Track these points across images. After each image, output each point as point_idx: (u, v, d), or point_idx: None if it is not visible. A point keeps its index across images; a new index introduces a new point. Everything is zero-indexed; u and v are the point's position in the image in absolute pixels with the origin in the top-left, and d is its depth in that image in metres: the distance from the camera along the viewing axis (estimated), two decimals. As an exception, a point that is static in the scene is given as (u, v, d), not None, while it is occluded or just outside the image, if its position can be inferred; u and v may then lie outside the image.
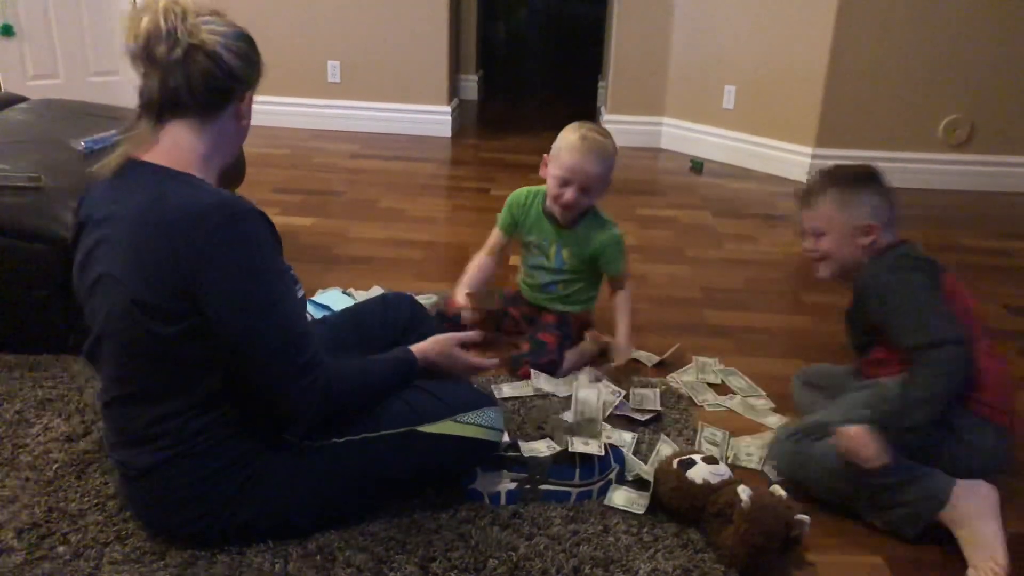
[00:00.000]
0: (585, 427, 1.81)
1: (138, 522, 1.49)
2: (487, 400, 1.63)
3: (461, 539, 1.50)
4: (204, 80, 1.33)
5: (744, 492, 1.47)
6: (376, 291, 2.53)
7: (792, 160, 4.10)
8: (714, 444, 1.86)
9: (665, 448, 1.81)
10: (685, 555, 1.50)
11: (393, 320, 1.82)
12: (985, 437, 1.61)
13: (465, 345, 1.66)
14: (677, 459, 1.62)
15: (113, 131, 2.36)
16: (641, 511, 1.60)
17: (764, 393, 2.13)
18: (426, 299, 2.40)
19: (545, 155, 2.15)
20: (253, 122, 1.48)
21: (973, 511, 1.52)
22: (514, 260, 2.36)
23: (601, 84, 5.35)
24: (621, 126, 4.51)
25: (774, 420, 2.00)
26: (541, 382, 2.06)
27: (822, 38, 3.85)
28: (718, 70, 4.31)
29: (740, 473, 1.74)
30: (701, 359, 2.27)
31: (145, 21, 1.28)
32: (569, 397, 1.96)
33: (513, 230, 2.28)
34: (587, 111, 5.34)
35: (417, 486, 1.60)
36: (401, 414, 1.50)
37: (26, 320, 2.09)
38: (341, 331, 1.77)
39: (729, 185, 4.06)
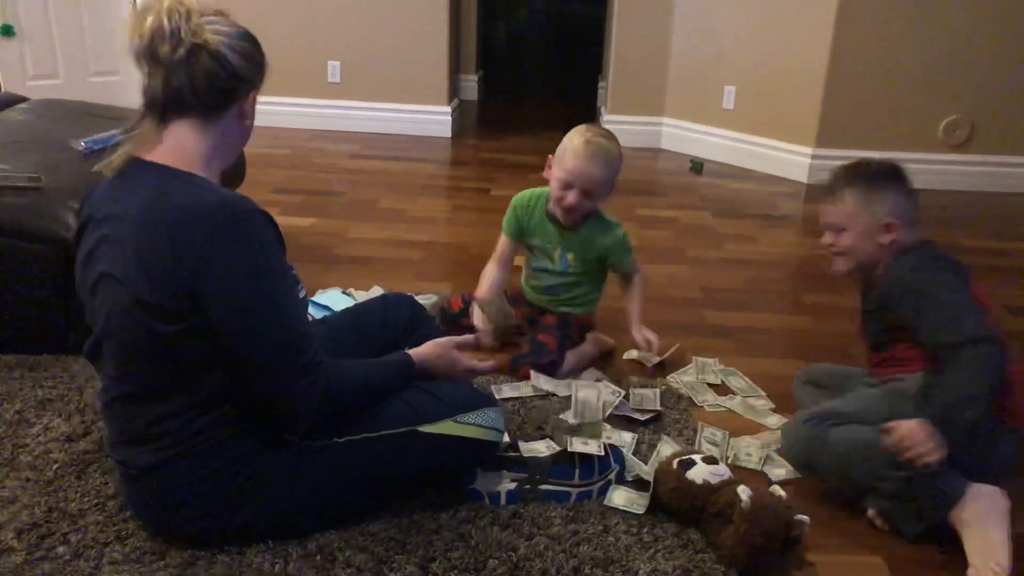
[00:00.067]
0: (585, 427, 1.81)
1: (138, 522, 1.49)
2: (487, 400, 1.63)
3: (461, 539, 1.50)
4: (208, 80, 1.33)
5: (744, 492, 1.47)
6: (376, 291, 2.53)
7: (792, 160, 4.10)
8: (714, 444, 1.86)
9: (666, 448, 1.81)
10: (685, 555, 1.50)
11: (393, 320, 1.82)
12: (1005, 442, 1.61)
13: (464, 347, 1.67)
14: (677, 459, 1.61)
15: (113, 131, 2.36)
16: (641, 511, 1.60)
17: (764, 393, 2.13)
18: (426, 299, 2.40)
19: (550, 156, 2.14)
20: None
21: (982, 514, 1.52)
22: (518, 260, 2.35)
23: (601, 84, 5.35)
24: (621, 126, 4.51)
25: (774, 420, 2.00)
26: (541, 382, 2.06)
27: (822, 38, 3.85)
28: (718, 70, 4.31)
29: (740, 473, 1.74)
30: (701, 359, 2.27)
31: (149, 20, 1.28)
32: (569, 397, 1.96)
33: (519, 234, 2.25)
34: (587, 111, 5.34)
35: (417, 486, 1.60)
36: (401, 414, 1.50)
37: (26, 320, 2.09)
38: (341, 331, 1.77)
39: (729, 185, 4.06)
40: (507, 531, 1.53)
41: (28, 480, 1.62)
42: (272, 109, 4.44)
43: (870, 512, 1.65)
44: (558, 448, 1.72)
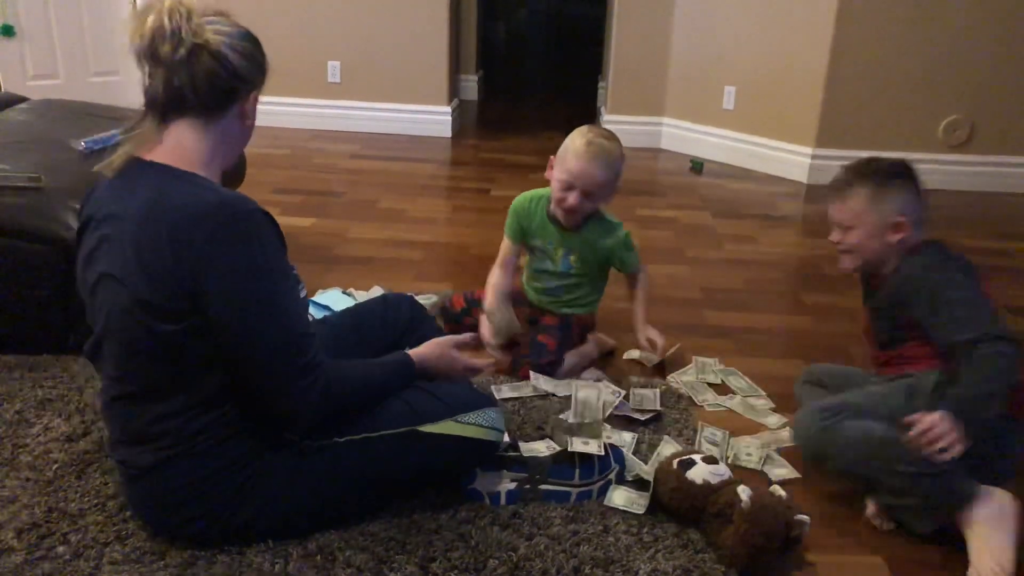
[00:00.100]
0: (585, 427, 1.81)
1: (138, 522, 1.49)
2: (487, 400, 1.63)
3: (461, 539, 1.50)
4: (208, 80, 1.33)
5: (744, 492, 1.47)
6: (376, 291, 2.53)
7: (792, 160, 4.10)
8: (714, 444, 1.86)
9: (667, 449, 1.81)
10: (685, 555, 1.50)
11: (393, 321, 1.82)
12: (1017, 441, 1.61)
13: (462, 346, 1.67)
14: (677, 459, 1.61)
15: (113, 131, 2.36)
16: (641, 511, 1.60)
17: (764, 393, 2.13)
18: (426, 299, 2.40)
19: (551, 157, 2.13)
20: (254, 123, 1.48)
21: (991, 517, 1.51)
22: (520, 260, 2.35)
23: (601, 84, 5.35)
24: (621, 126, 4.50)
25: (774, 420, 2.00)
26: (541, 383, 2.06)
27: (822, 38, 3.85)
28: (718, 70, 4.31)
29: (740, 473, 1.74)
30: (701, 359, 2.27)
31: (150, 20, 1.29)
32: (569, 397, 1.96)
33: (521, 237, 2.24)
34: (587, 111, 5.34)
35: (417, 486, 1.60)
36: (402, 414, 1.50)
37: (26, 320, 2.09)
38: (341, 331, 1.77)
39: (729, 185, 4.06)
40: (507, 531, 1.53)
41: (28, 480, 1.62)
42: (272, 109, 4.44)
43: (869, 512, 1.65)
44: (558, 448, 1.72)
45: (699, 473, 1.57)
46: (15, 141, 2.40)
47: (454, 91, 4.93)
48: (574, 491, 1.64)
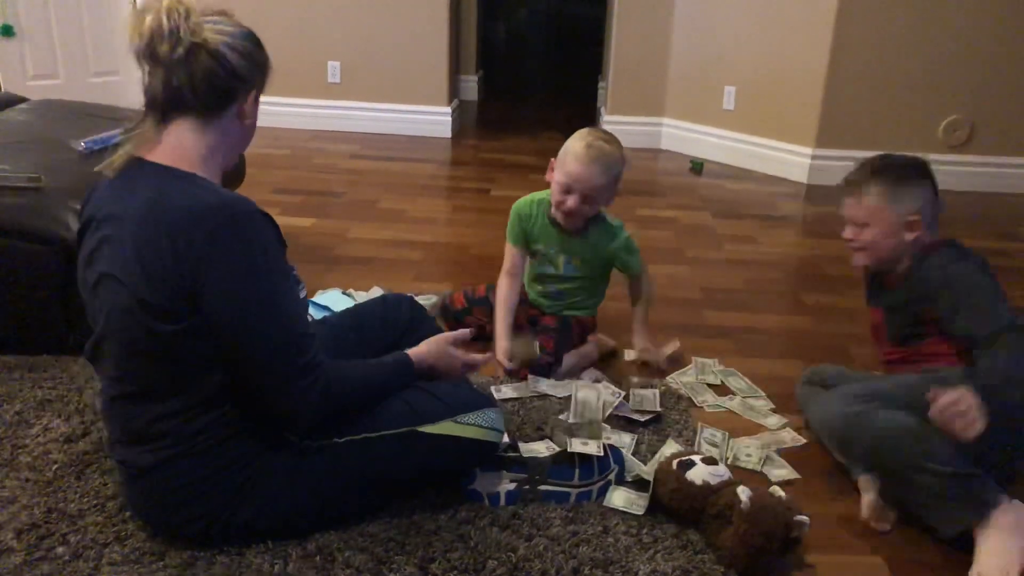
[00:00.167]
0: (585, 428, 1.81)
1: (138, 522, 1.49)
2: (487, 401, 1.63)
3: (460, 540, 1.50)
4: (207, 79, 1.33)
5: (744, 493, 1.47)
6: (376, 292, 2.53)
7: (792, 161, 4.10)
8: (714, 445, 1.86)
9: (669, 451, 1.81)
10: (685, 556, 1.50)
11: (393, 321, 1.82)
12: None
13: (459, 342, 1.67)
14: (676, 460, 1.61)
15: (113, 131, 2.36)
16: (640, 512, 1.60)
17: (764, 394, 2.12)
18: (426, 300, 2.40)
19: (552, 159, 2.13)
20: (253, 123, 1.48)
21: (1006, 525, 1.50)
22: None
23: (601, 85, 5.35)
24: (621, 127, 4.50)
25: (774, 421, 2.00)
26: (540, 384, 2.06)
27: (822, 39, 3.85)
28: (718, 71, 4.31)
29: (739, 474, 1.74)
30: (701, 360, 2.27)
31: (148, 20, 1.29)
32: (569, 398, 1.96)
33: (525, 241, 2.22)
34: (587, 112, 5.34)
35: (417, 486, 1.60)
36: (402, 414, 1.50)
37: (26, 320, 2.09)
38: (341, 332, 1.77)
39: (729, 186, 4.06)
40: (506, 532, 1.53)
41: (27, 481, 1.62)
42: (272, 109, 4.44)
43: (865, 513, 1.64)
44: (558, 448, 1.72)
45: (699, 474, 1.57)
46: (15, 141, 2.40)
47: (454, 91, 4.93)
48: (573, 492, 1.64)
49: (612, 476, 1.67)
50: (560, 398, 2.02)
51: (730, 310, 2.65)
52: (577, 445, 1.66)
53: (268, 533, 1.46)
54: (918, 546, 1.59)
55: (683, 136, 4.55)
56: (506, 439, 1.70)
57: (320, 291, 2.51)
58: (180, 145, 1.35)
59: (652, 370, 2.22)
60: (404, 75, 4.60)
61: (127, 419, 1.40)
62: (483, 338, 2.21)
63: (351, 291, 2.53)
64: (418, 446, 1.50)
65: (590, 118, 5.17)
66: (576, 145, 2.04)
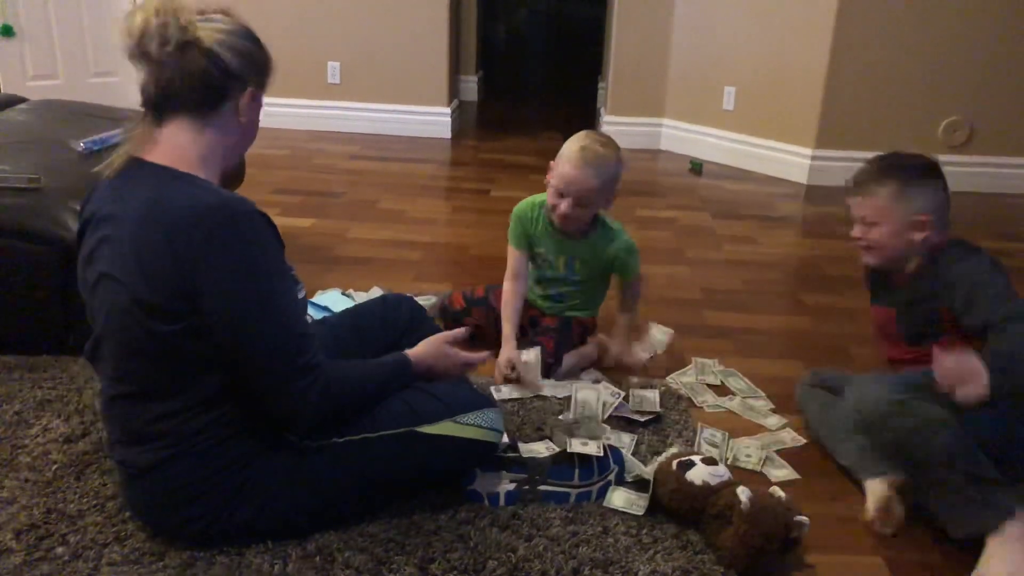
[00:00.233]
0: (584, 428, 1.81)
1: (137, 522, 1.49)
2: (487, 401, 1.63)
3: (460, 540, 1.50)
4: (199, 77, 1.33)
5: (743, 493, 1.47)
6: (376, 292, 2.53)
7: (792, 161, 4.10)
8: (714, 445, 1.86)
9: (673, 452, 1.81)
10: (684, 556, 1.50)
11: (393, 321, 1.82)
12: None
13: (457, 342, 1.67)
14: (676, 460, 1.61)
15: (113, 132, 2.36)
16: (640, 512, 1.60)
17: (763, 394, 2.12)
18: (425, 300, 2.40)
19: (551, 162, 2.12)
20: (253, 123, 1.48)
21: (1017, 535, 1.49)
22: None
23: (601, 85, 5.35)
24: (621, 127, 4.51)
25: (773, 421, 2.00)
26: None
27: (822, 39, 3.85)
28: (718, 71, 4.31)
29: (739, 474, 1.74)
30: (701, 360, 2.27)
31: (137, 19, 1.29)
32: (568, 398, 1.96)
33: (527, 244, 2.21)
34: (587, 112, 5.34)
35: (416, 487, 1.60)
36: (401, 415, 1.50)
37: (26, 320, 2.09)
38: (341, 332, 1.77)
39: (729, 186, 4.06)
40: (506, 532, 1.53)
41: (27, 481, 1.62)
42: (272, 110, 4.43)
43: (869, 515, 1.64)
44: (557, 449, 1.72)
45: (698, 474, 1.57)
46: (15, 141, 2.40)
47: (454, 92, 4.93)
48: (573, 492, 1.64)
49: (612, 476, 1.67)
50: (560, 398, 2.02)
51: (730, 310, 2.65)
52: (577, 445, 1.66)
53: (268, 533, 1.46)
54: (918, 546, 1.59)
55: (683, 137, 4.55)
56: (506, 439, 1.70)
57: (320, 291, 2.51)
58: (177, 145, 1.35)
59: (649, 370, 2.22)
60: (404, 75, 4.60)
61: (126, 419, 1.40)
62: (482, 340, 2.20)
63: (351, 291, 2.53)
64: (417, 446, 1.50)
65: (590, 118, 5.17)
66: (570, 148, 2.04)
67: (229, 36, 1.34)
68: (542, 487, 1.63)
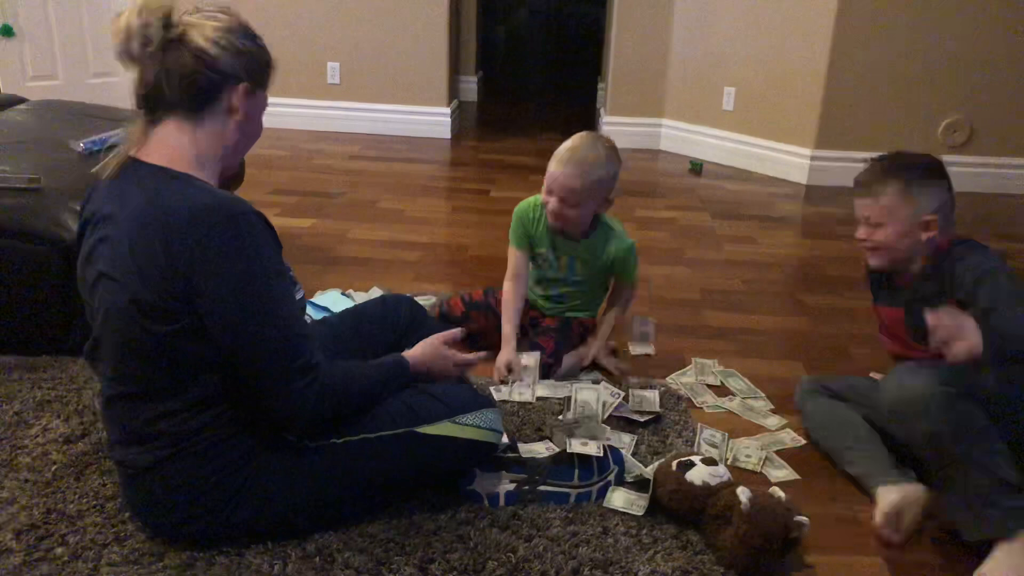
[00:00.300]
0: (584, 428, 1.81)
1: (137, 523, 1.49)
2: (486, 401, 1.62)
3: (460, 540, 1.50)
4: (186, 75, 1.32)
5: (743, 494, 1.47)
6: (375, 292, 2.53)
7: (791, 162, 4.10)
8: (713, 446, 1.86)
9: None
10: (684, 556, 1.50)
11: (393, 321, 1.82)
12: None
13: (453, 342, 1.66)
14: (676, 461, 1.61)
15: (112, 132, 2.36)
16: (640, 512, 1.60)
17: (763, 395, 2.12)
18: (425, 300, 2.40)
19: None
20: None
21: None
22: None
23: (601, 86, 5.35)
24: (621, 127, 4.51)
25: (773, 422, 1.99)
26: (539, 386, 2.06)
27: (822, 40, 3.85)
28: (718, 72, 4.31)
29: (739, 475, 1.74)
30: (700, 360, 2.27)
31: (122, 20, 1.30)
32: (568, 398, 1.96)
33: (528, 244, 2.21)
34: (587, 112, 5.35)
35: (416, 487, 1.60)
36: (400, 415, 1.50)
37: (25, 321, 2.09)
38: (341, 332, 1.77)
39: (728, 187, 4.06)
40: (506, 532, 1.53)
41: (27, 481, 1.61)
42: (272, 110, 4.40)
43: (878, 520, 1.62)
44: (557, 449, 1.72)
45: (698, 475, 1.57)
46: (14, 142, 2.40)
47: (454, 92, 4.94)
48: (573, 492, 1.64)
49: (612, 477, 1.67)
50: (559, 399, 2.02)
51: (729, 311, 2.65)
52: (576, 446, 1.66)
53: (267, 533, 1.46)
54: (917, 546, 1.59)
55: (682, 137, 4.55)
56: (505, 439, 1.70)
57: (319, 292, 2.51)
58: (172, 145, 1.35)
59: (649, 370, 2.22)
60: (404, 76, 4.60)
61: (125, 419, 1.40)
62: (485, 343, 2.18)
63: (350, 292, 2.53)
64: (416, 447, 1.50)
65: (590, 119, 5.18)
66: (561, 147, 2.05)
67: (221, 33, 1.34)
68: (542, 487, 1.63)
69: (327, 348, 1.48)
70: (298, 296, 1.43)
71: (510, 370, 2.06)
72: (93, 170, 1.40)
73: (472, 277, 2.75)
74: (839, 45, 3.83)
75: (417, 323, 1.83)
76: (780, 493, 1.55)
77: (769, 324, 2.58)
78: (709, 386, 2.16)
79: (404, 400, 1.52)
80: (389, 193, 3.67)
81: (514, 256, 2.21)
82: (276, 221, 1.37)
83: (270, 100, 1.51)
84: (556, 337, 2.16)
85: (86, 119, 2.65)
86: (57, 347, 2.09)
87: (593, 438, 1.72)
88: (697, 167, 4.27)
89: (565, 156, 2.02)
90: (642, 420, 1.94)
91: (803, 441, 1.91)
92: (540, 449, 1.73)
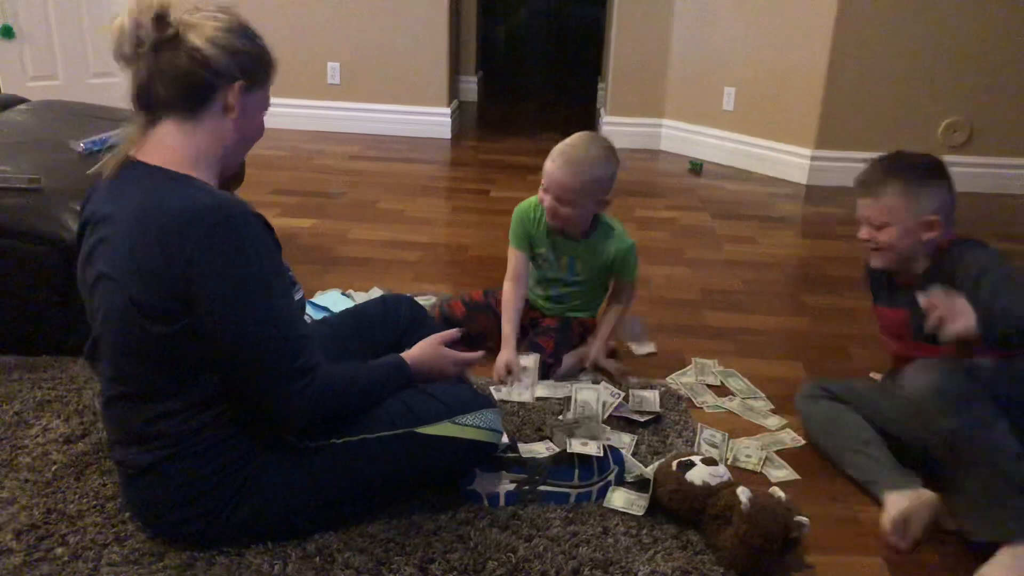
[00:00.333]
0: (584, 428, 1.81)
1: (137, 523, 1.49)
2: (486, 402, 1.62)
3: (460, 540, 1.50)
4: (179, 75, 1.32)
5: (743, 494, 1.47)
6: (375, 293, 2.53)
7: (791, 162, 4.10)
8: (713, 446, 1.86)
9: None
10: (684, 556, 1.50)
11: (393, 322, 1.82)
12: None
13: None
14: (676, 461, 1.61)
15: (112, 132, 2.36)
16: (640, 512, 1.60)
17: (763, 395, 2.12)
18: (425, 300, 2.40)
19: None
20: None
21: None
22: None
23: (601, 86, 5.35)
24: (621, 128, 4.51)
25: (773, 422, 2.00)
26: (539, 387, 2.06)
27: (822, 40, 3.85)
28: (718, 72, 4.31)
29: (739, 475, 1.74)
30: (700, 361, 2.27)
31: (116, 21, 1.30)
32: (568, 398, 1.96)
33: (528, 244, 2.21)
34: (587, 112, 5.35)
35: (416, 487, 1.60)
36: (399, 416, 1.50)
37: (25, 321, 2.09)
38: (341, 333, 1.77)
39: (728, 187, 4.06)
40: (506, 532, 1.53)
41: (27, 481, 1.62)
42: (272, 110, 4.40)
43: (885, 524, 1.61)
44: (557, 449, 1.72)
45: (698, 475, 1.57)
46: (14, 142, 2.40)
47: (454, 92, 4.94)
48: (573, 492, 1.64)
49: (612, 477, 1.67)
50: (559, 399, 2.02)
51: (729, 311, 2.65)
52: (577, 446, 1.66)
53: (267, 533, 1.46)
54: (918, 547, 1.59)
55: (683, 137, 4.55)
56: (505, 439, 1.70)
57: (319, 292, 2.51)
58: (170, 145, 1.35)
59: (649, 370, 2.22)
60: (404, 76, 4.60)
61: (125, 419, 1.40)
62: (487, 344, 2.17)
63: (350, 292, 2.53)
64: (416, 447, 1.50)
65: (590, 119, 5.17)
66: (558, 146, 2.05)
67: (218, 33, 1.34)
68: (542, 487, 1.63)
69: (327, 348, 1.48)
70: (298, 296, 1.43)
71: (509, 371, 2.06)
72: (91, 170, 1.40)
73: (472, 277, 2.75)
74: (839, 45, 3.83)
75: (417, 323, 1.83)
76: (780, 493, 1.55)
77: (769, 324, 2.58)
78: (709, 386, 2.16)
79: (404, 400, 1.51)
80: (389, 193, 3.67)
81: (514, 256, 2.21)
82: (276, 221, 1.37)
83: (271, 100, 1.51)
84: (556, 337, 2.16)
85: (86, 119, 2.65)
86: (57, 347, 2.09)
87: (593, 438, 1.72)
88: (697, 167, 4.27)
89: (562, 154, 2.02)
90: (642, 420, 1.94)
91: (803, 441, 1.91)
92: (540, 449, 1.73)
